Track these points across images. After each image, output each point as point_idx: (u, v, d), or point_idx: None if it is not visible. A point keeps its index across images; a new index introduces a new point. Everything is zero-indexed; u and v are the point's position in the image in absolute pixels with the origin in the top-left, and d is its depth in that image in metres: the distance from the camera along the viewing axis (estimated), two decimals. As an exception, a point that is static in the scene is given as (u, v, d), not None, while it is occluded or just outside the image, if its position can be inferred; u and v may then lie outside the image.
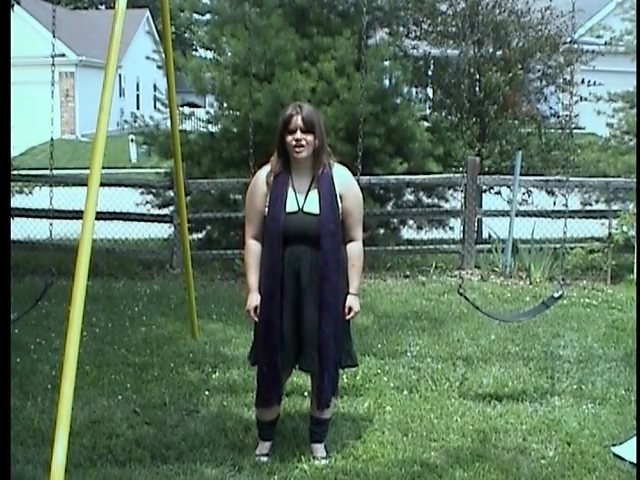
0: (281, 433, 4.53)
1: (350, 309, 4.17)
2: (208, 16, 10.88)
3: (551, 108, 12.11)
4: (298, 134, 4.01)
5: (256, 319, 4.17)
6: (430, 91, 12.32)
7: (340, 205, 4.11)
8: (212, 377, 5.63)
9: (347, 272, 4.17)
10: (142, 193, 10.28)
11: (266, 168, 4.20)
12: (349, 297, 4.17)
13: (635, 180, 8.84)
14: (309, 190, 4.10)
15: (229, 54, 10.16)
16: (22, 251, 9.45)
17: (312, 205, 4.07)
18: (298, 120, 4.01)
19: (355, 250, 4.19)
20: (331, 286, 4.06)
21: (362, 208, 4.25)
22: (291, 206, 4.07)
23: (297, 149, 4.04)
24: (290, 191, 4.10)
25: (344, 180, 4.16)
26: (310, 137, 4.03)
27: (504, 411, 5.02)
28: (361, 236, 4.23)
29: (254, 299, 4.16)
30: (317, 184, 4.09)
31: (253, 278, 4.19)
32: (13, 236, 8.90)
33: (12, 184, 9.36)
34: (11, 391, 4.66)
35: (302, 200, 4.09)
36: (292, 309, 4.07)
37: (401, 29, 11.40)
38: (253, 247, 4.21)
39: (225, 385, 5.44)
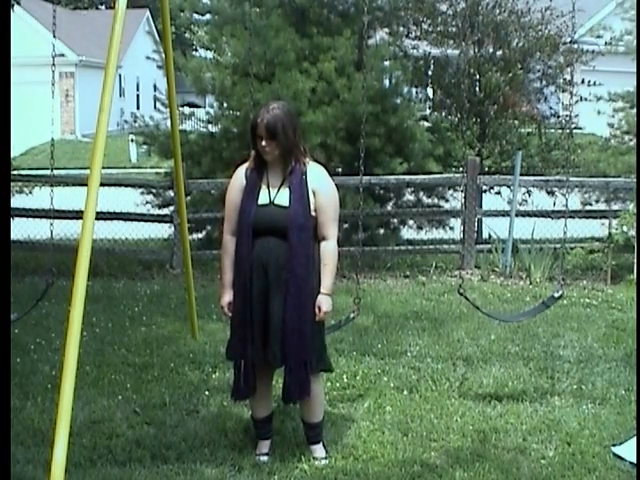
0: (281, 433, 4.53)
1: (320, 309, 4.13)
2: (208, 16, 10.88)
3: (551, 108, 12.11)
4: (263, 142, 4.07)
5: (230, 314, 4.22)
6: (430, 91, 12.33)
7: (313, 201, 4.12)
8: (212, 377, 5.63)
9: (319, 269, 4.15)
10: (142, 193, 10.28)
11: (245, 165, 4.28)
12: (320, 297, 4.14)
13: (635, 180, 8.85)
14: (281, 185, 4.14)
15: (229, 54, 10.16)
16: (22, 251, 9.45)
17: (283, 198, 4.11)
18: (262, 128, 4.05)
19: (328, 249, 4.16)
20: (297, 280, 4.05)
21: (337, 207, 4.22)
22: (263, 199, 4.13)
23: (264, 153, 4.12)
24: (263, 185, 4.16)
25: (317, 177, 4.18)
26: (274, 144, 4.07)
27: (504, 411, 5.02)
28: (335, 235, 4.20)
29: (227, 296, 4.22)
30: (289, 180, 4.13)
31: (228, 276, 4.23)
32: (13, 236, 8.89)
33: (12, 184, 9.36)
34: (11, 391, 4.66)
35: (274, 194, 4.13)
36: (260, 302, 4.08)
37: (401, 29, 11.40)
38: (229, 245, 4.23)
39: (225, 385, 5.43)
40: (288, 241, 4.05)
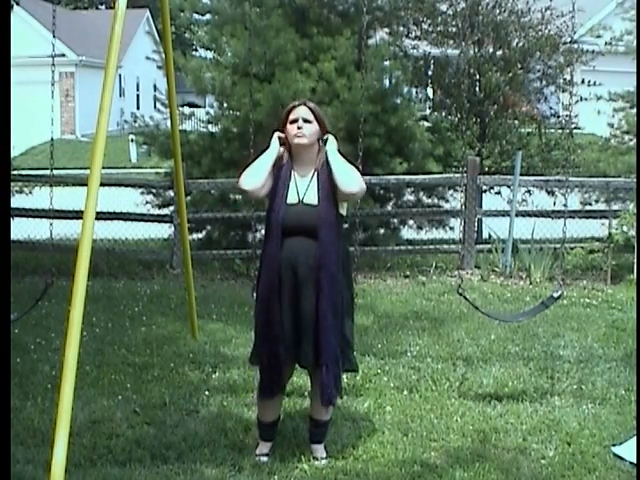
0: (281, 433, 4.53)
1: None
2: (208, 16, 10.88)
3: (551, 108, 12.12)
4: (300, 122, 4.10)
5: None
6: (430, 91, 12.33)
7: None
8: (212, 377, 5.63)
9: (344, 265, 4.18)
10: (142, 193, 10.27)
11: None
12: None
13: (635, 180, 8.85)
14: (310, 182, 4.14)
15: (229, 54, 10.16)
16: (22, 251, 9.45)
17: (311, 196, 4.11)
18: (301, 109, 4.13)
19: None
20: (329, 277, 4.05)
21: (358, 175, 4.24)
22: (292, 198, 4.12)
23: (297, 136, 4.11)
24: (292, 183, 4.15)
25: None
26: (311, 126, 4.11)
27: (504, 411, 5.02)
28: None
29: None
30: (318, 176, 4.14)
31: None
32: (13, 236, 8.90)
33: (12, 184, 9.36)
34: (11, 391, 4.66)
35: (302, 192, 4.13)
36: (290, 302, 4.07)
37: (401, 29, 11.41)
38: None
39: (225, 385, 5.44)
40: (319, 239, 4.04)
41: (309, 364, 4.17)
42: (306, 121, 4.11)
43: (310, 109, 4.15)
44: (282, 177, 4.16)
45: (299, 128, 4.10)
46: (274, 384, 4.21)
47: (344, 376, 5.43)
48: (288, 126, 4.14)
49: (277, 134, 4.18)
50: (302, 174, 4.16)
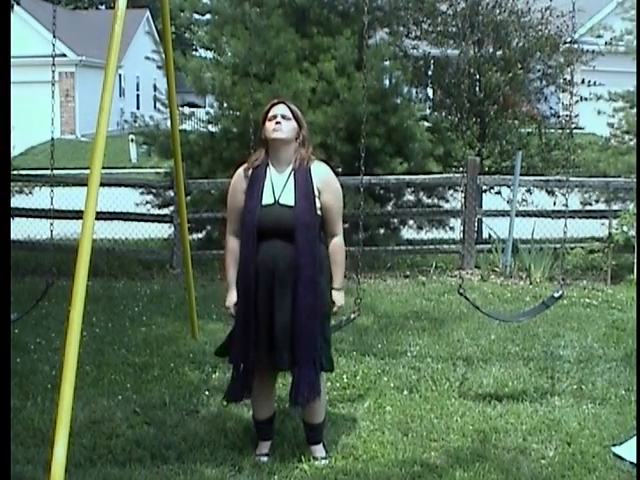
0: (281, 433, 4.53)
1: (334, 304, 4.18)
2: (208, 16, 10.89)
3: (551, 108, 12.12)
4: (279, 117, 4.09)
5: (234, 314, 4.19)
6: (430, 91, 12.33)
7: (318, 199, 4.11)
8: (212, 377, 5.63)
9: (323, 267, 4.14)
10: (142, 193, 10.28)
11: (244, 166, 4.25)
12: (333, 292, 4.18)
13: (635, 180, 8.85)
14: (286, 182, 4.10)
15: (229, 54, 10.17)
16: (22, 251, 9.45)
17: (288, 197, 4.06)
18: (280, 106, 4.14)
19: (337, 245, 4.21)
20: (305, 278, 4.01)
21: (342, 203, 4.25)
22: (267, 198, 4.07)
23: (275, 130, 4.08)
24: (267, 183, 4.10)
25: (323, 175, 4.17)
26: (288, 123, 4.10)
27: (504, 411, 5.02)
28: (341, 230, 4.24)
29: (233, 296, 4.18)
30: (294, 176, 4.10)
31: (231, 273, 4.20)
32: (13, 236, 8.90)
33: (12, 184, 9.36)
34: (11, 391, 4.66)
35: (279, 192, 4.08)
36: (266, 305, 4.03)
37: (401, 29, 11.41)
38: (232, 244, 4.21)
39: (225, 385, 5.41)
40: (295, 240, 4.00)
41: (285, 367, 4.14)
42: (284, 118, 4.10)
43: (288, 107, 4.15)
44: (258, 176, 4.12)
45: (277, 123, 4.09)
46: (241, 386, 4.19)
47: (344, 376, 5.46)
48: (266, 123, 4.13)
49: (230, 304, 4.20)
50: (278, 175, 4.11)
